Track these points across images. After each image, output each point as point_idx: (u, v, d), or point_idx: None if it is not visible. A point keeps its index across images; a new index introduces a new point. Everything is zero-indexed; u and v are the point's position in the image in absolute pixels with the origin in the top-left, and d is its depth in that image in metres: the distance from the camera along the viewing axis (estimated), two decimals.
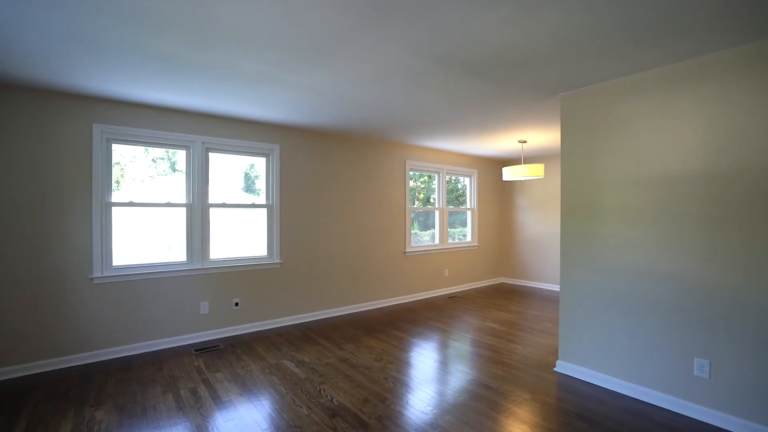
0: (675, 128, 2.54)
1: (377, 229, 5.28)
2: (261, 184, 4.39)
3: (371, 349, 3.67)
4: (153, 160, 3.79)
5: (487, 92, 3.12)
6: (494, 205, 7.07)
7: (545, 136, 4.86)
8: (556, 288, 6.31)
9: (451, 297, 5.90)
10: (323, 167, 4.76)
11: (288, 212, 4.46)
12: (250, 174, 4.37)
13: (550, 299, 5.70)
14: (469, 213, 6.67)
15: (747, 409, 2.25)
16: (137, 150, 3.62)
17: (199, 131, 3.83)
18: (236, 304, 4.09)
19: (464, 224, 6.69)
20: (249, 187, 4.38)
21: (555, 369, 3.20)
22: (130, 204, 3.52)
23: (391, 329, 4.29)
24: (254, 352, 3.56)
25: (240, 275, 4.11)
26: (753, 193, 2.23)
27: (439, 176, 6.16)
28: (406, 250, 5.60)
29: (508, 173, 5.17)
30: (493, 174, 6.97)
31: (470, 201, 6.70)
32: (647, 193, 2.67)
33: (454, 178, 6.52)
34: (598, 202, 2.94)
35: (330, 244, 4.80)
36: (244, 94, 3.19)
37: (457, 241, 6.51)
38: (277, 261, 4.35)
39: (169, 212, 3.78)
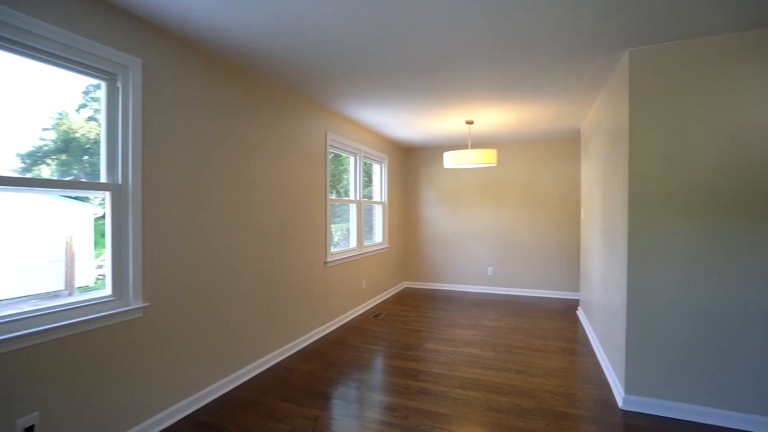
0: None
1: (294, 229, 3.44)
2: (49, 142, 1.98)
3: None
4: None
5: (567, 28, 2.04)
6: (398, 198, 6.10)
7: (498, 117, 4.17)
8: (470, 289, 5.85)
9: (376, 315, 4.58)
10: (220, 120, 2.64)
11: (158, 202, 2.19)
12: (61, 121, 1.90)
13: (480, 303, 5.13)
14: (379, 208, 5.47)
15: None
16: None
17: None
18: (28, 430, 1.64)
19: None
20: (63, 148, 1.90)
21: (622, 407, 2.45)
22: None
23: (358, 389, 2.69)
24: None
25: (42, 355, 1.68)
26: None
27: (356, 159, 4.71)
28: (327, 260, 3.95)
29: (453, 159, 4.26)
30: (397, 162, 5.98)
31: (381, 193, 5.50)
32: (746, 179, 2.19)
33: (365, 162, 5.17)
34: (681, 190, 2.32)
35: (230, 257, 2.73)
36: None
37: (367, 242, 5.21)
38: (137, 305, 2.05)
39: None
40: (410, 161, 6.24)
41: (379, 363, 3.19)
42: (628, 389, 2.44)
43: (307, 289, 3.62)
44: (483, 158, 4.14)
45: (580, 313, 4.41)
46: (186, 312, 2.36)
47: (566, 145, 5.27)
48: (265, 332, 3.05)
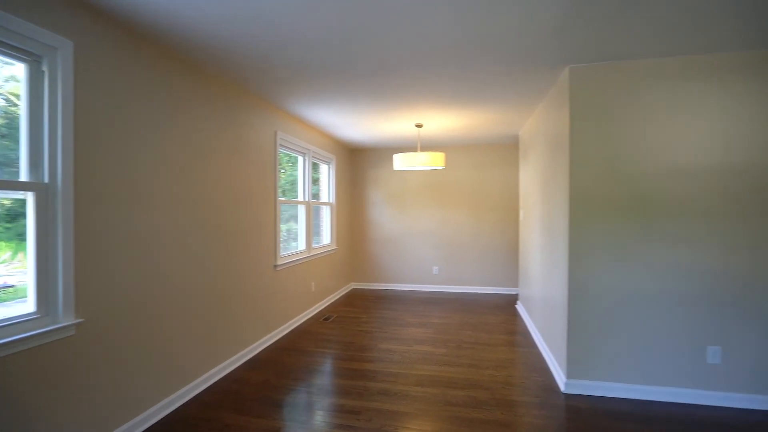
0: (694, 122, 2.49)
1: (243, 232, 3.26)
2: None
3: None
4: None
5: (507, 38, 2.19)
6: (346, 199, 6.05)
7: (446, 121, 4.33)
8: (416, 288, 5.99)
9: (326, 318, 4.50)
10: (168, 116, 2.41)
11: (94, 203, 1.94)
12: None
13: (427, 302, 5.29)
14: (327, 209, 5.38)
15: (761, 383, 2.43)
16: None
17: None
18: None
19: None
20: None
21: (564, 391, 2.69)
22: None
23: (319, 398, 2.63)
24: None
25: None
26: (762, 188, 2.42)
27: (304, 159, 4.58)
28: (277, 263, 3.80)
29: (403, 161, 4.35)
30: (345, 163, 5.93)
31: (329, 194, 5.41)
32: (665, 186, 2.53)
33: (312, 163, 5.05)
34: (611, 195, 2.61)
35: (175, 264, 2.50)
36: None
37: (314, 244, 5.09)
38: (68, 322, 1.79)
39: None
40: (358, 162, 6.23)
41: (335, 367, 3.14)
42: (570, 374, 2.69)
43: (257, 294, 3.44)
44: (432, 161, 4.27)
45: (520, 307, 4.76)
46: (126, 326, 2.12)
47: (506, 149, 5.65)
48: (213, 343, 2.85)
